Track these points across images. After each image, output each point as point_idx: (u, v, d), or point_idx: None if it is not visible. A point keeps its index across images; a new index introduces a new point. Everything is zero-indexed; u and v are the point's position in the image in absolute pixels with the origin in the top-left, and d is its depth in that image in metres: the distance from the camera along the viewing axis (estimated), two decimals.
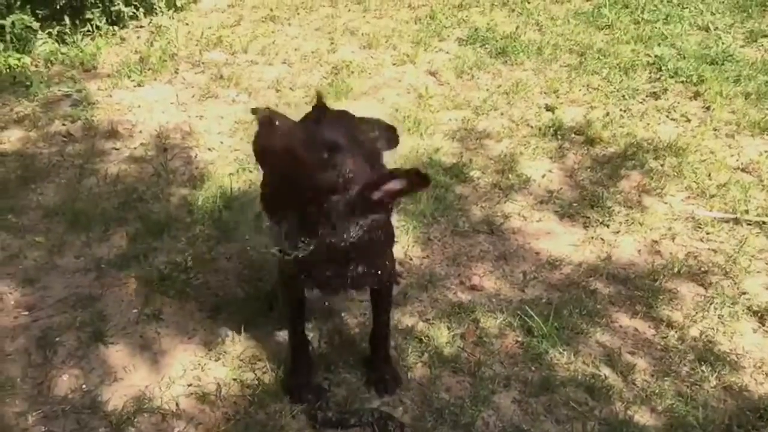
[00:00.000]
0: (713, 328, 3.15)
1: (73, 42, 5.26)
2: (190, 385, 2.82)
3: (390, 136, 3.08)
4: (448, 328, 3.08)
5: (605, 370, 2.93)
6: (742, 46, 5.60)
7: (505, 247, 3.60)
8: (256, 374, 2.86)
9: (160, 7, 5.71)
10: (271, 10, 6.01)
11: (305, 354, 2.83)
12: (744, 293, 3.34)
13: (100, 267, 3.38)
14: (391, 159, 3.98)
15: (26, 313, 3.13)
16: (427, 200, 3.83)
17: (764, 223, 3.75)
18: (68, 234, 3.56)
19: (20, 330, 3.05)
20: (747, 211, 3.83)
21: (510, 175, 4.10)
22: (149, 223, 3.63)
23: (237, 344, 2.99)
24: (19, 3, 5.09)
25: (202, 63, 5.19)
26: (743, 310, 3.25)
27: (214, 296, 3.23)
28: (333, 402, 2.75)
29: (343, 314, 3.15)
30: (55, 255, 3.44)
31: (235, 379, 2.84)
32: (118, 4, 5.47)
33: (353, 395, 2.79)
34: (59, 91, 4.76)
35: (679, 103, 4.84)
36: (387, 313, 2.83)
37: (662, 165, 4.19)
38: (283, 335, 2.99)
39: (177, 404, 2.74)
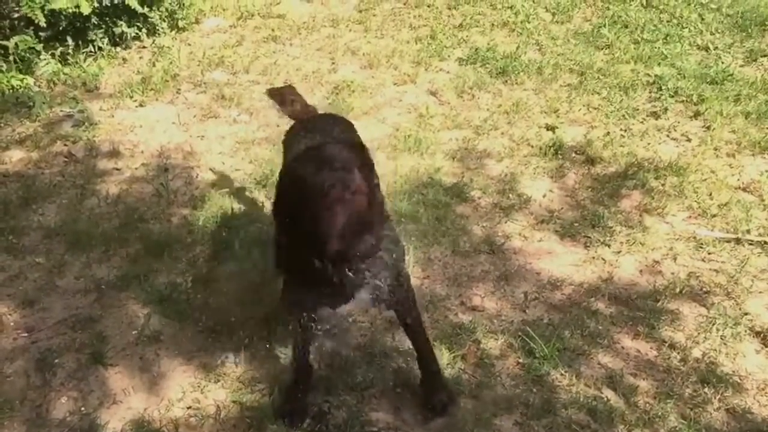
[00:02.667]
0: (716, 350, 3.13)
1: (76, 62, 5.29)
2: (189, 408, 2.81)
3: None
4: (449, 350, 3.07)
5: (607, 392, 2.91)
6: (741, 66, 5.61)
7: (506, 267, 3.59)
8: (255, 396, 2.85)
9: (162, 28, 5.75)
10: (273, 30, 6.05)
11: (307, 379, 2.79)
12: (746, 314, 3.32)
13: (100, 288, 3.38)
14: (391, 179, 4.02)
15: (26, 334, 3.13)
16: (427, 220, 3.83)
17: (766, 243, 3.73)
18: (69, 255, 3.57)
19: (19, 351, 3.05)
20: (748, 231, 3.82)
21: (511, 195, 4.10)
22: (150, 244, 3.63)
23: (237, 366, 2.98)
24: (22, 24, 5.13)
25: (204, 83, 5.21)
26: (746, 331, 3.23)
27: (215, 317, 3.22)
28: (332, 425, 2.73)
29: (343, 336, 3.13)
30: (55, 276, 3.45)
31: (234, 402, 2.83)
32: (121, 25, 5.51)
33: (353, 418, 2.77)
34: (61, 111, 4.79)
35: (679, 122, 4.84)
36: (420, 331, 2.80)
37: (663, 184, 4.19)
38: (283, 356, 2.97)
39: (176, 427, 2.73)
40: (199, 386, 2.89)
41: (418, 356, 2.84)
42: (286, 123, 3.45)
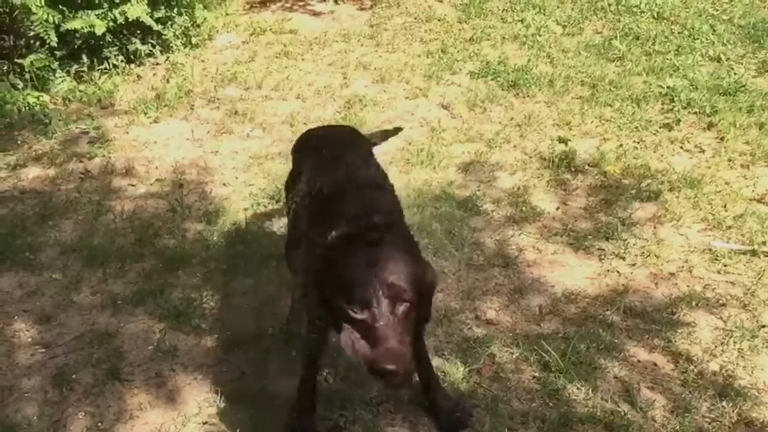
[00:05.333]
0: (733, 363, 3.10)
1: (91, 80, 5.36)
2: (205, 423, 2.81)
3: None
4: (464, 364, 3.05)
5: (624, 406, 2.89)
6: (754, 77, 5.60)
7: (520, 280, 3.58)
8: (271, 412, 2.84)
9: (176, 45, 5.81)
10: (285, 45, 6.10)
11: (313, 396, 2.77)
12: (763, 326, 3.29)
13: (116, 303, 3.40)
14: (404, 193, 4.03)
15: (43, 350, 3.15)
16: (440, 233, 3.83)
17: None
18: (85, 270, 3.59)
19: (37, 367, 3.06)
20: (764, 243, 3.79)
21: (524, 208, 4.10)
22: (165, 259, 3.65)
23: (252, 381, 2.98)
24: (37, 43, 5.20)
25: (217, 99, 5.25)
26: (763, 344, 3.19)
27: (230, 332, 3.23)
28: None
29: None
30: (71, 292, 3.47)
31: (250, 417, 2.83)
32: (135, 42, 5.58)
33: None
34: (77, 128, 4.84)
35: (692, 134, 4.83)
36: (427, 357, 2.78)
37: (677, 196, 4.17)
38: (297, 372, 2.97)
39: None
40: (214, 402, 2.89)
41: (426, 383, 2.81)
42: None
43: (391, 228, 2.34)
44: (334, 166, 2.78)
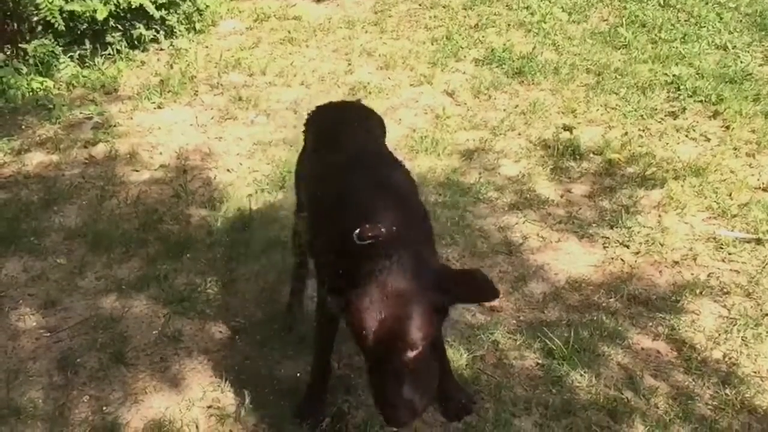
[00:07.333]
0: (736, 350, 3.10)
1: (95, 65, 5.35)
2: (209, 407, 2.82)
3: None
4: (468, 350, 3.06)
5: (627, 393, 2.89)
6: (760, 65, 5.58)
7: (523, 267, 3.58)
8: (275, 396, 2.85)
9: (179, 31, 5.80)
10: (289, 32, 6.08)
11: (326, 380, 2.78)
12: (767, 315, 3.29)
13: (120, 288, 3.40)
14: None
15: (48, 334, 3.16)
16: (444, 221, 3.83)
17: None
18: (89, 255, 3.60)
19: (42, 351, 3.07)
20: None
21: (528, 196, 4.09)
22: (169, 245, 3.66)
23: (256, 365, 2.99)
24: (40, 28, 5.19)
25: (221, 85, 5.24)
26: (767, 332, 3.19)
27: (234, 317, 3.24)
28: (352, 425, 2.74)
29: None
30: (76, 276, 3.47)
31: (254, 401, 2.84)
32: (139, 27, 5.56)
33: (372, 418, 2.77)
34: (81, 113, 4.83)
35: (698, 122, 4.82)
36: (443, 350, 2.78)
37: (682, 185, 4.16)
38: (300, 356, 2.98)
39: (197, 426, 2.74)
40: (219, 386, 2.90)
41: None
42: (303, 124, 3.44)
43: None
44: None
